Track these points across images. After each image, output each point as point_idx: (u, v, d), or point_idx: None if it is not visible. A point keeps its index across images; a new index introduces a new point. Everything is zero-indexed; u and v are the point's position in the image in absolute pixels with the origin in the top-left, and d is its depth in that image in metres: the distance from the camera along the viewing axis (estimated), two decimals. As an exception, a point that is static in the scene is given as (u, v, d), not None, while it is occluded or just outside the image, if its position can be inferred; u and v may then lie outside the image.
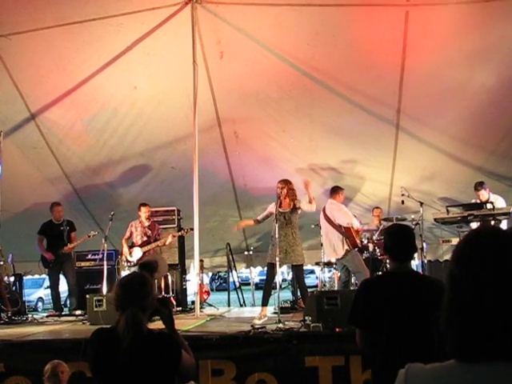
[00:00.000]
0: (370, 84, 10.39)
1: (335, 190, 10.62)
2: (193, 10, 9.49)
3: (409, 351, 3.31)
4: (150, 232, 11.37)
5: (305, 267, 10.97)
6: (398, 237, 4.35)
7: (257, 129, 11.85)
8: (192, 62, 9.72)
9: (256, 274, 19.48)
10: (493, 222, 10.15)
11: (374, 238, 11.67)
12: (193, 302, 11.05)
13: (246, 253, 15.56)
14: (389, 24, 9.39)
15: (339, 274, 11.35)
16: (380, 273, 10.56)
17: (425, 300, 3.87)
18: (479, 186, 11.01)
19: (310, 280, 27.10)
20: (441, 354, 1.67)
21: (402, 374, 1.66)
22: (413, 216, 11.60)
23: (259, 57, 10.09)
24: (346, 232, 10.25)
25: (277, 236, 9.16)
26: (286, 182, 9.91)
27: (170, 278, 12.07)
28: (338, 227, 10.31)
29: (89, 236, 11.50)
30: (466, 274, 1.61)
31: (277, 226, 9.16)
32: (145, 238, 11.34)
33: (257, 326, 8.12)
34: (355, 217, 10.75)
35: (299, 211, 9.90)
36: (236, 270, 15.69)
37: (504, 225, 10.49)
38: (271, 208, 9.92)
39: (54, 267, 11.74)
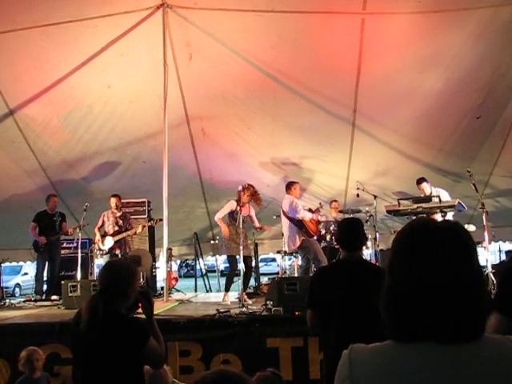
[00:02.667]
0: (329, 86, 10.53)
1: (289, 186, 10.80)
2: (164, 14, 9.52)
3: (357, 333, 3.41)
4: (121, 222, 11.33)
5: (267, 255, 11.20)
6: (346, 229, 4.62)
7: (223, 126, 11.93)
8: (163, 63, 9.73)
9: (221, 261, 19.62)
10: (440, 214, 10.38)
11: (332, 228, 11.78)
12: (162, 288, 11.07)
13: (212, 242, 15.56)
14: (346, 30, 9.54)
15: (299, 262, 11.50)
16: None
17: (371, 286, 3.95)
18: (420, 181, 11.27)
19: (271, 267, 27.35)
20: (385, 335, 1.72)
21: (346, 354, 1.68)
22: (367, 208, 11.86)
23: (226, 59, 10.13)
24: (301, 223, 10.49)
25: (241, 230, 9.73)
26: (248, 188, 10.32)
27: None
28: (292, 220, 10.54)
29: (80, 227, 11.29)
30: (401, 262, 1.65)
31: (240, 221, 9.73)
32: (116, 228, 11.30)
33: (222, 310, 8.21)
34: (311, 210, 10.94)
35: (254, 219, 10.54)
36: (203, 258, 15.76)
37: (450, 216, 10.65)
38: (231, 206, 10.37)
39: (42, 253, 11.65)
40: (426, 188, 11.23)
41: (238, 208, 10.04)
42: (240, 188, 10.20)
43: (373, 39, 9.58)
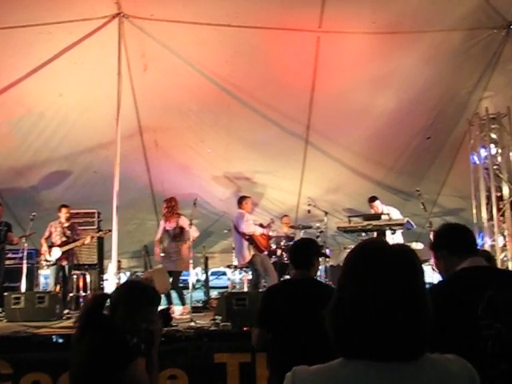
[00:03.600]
0: (283, 101, 10.55)
1: (241, 200, 10.85)
2: (120, 23, 9.34)
3: (304, 353, 3.36)
4: (69, 232, 10.98)
5: (217, 269, 11.14)
6: (297, 248, 4.69)
7: (176, 138, 11.79)
8: (117, 72, 9.51)
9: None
10: (389, 231, 10.42)
11: (282, 243, 11.73)
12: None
13: (162, 254, 15.30)
14: (301, 47, 9.56)
15: (249, 277, 11.44)
16: (287, 276, 10.64)
17: (320, 305, 3.90)
18: (372, 199, 11.38)
19: (221, 281, 27.03)
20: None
21: (289, 377, 1.68)
22: (318, 224, 11.87)
23: (181, 71, 10.01)
24: (251, 238, 10.57)
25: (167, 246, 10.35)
26: (169, 201, 10.55)
27: (88, 277, 11.87)
28: (242, 234, 10.58)
29: (25, 236, 10.96)
30: (350, 281, 1.67)
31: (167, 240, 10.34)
32: (64, 239, 10.92)
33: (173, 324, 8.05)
34: (262, 225, 10.99)
35: (187, 229, 10.19)
36: (152, 271, 15.46)
37: (399, 234, 10.69)
38: (162, 223, 10.65)
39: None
40: (378, 206, 11.33)
41: (163, 222, 10.42)
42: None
43: (328, 57, 9.62)
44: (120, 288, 3.68)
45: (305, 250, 4.54)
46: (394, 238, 10.30)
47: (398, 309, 1.58)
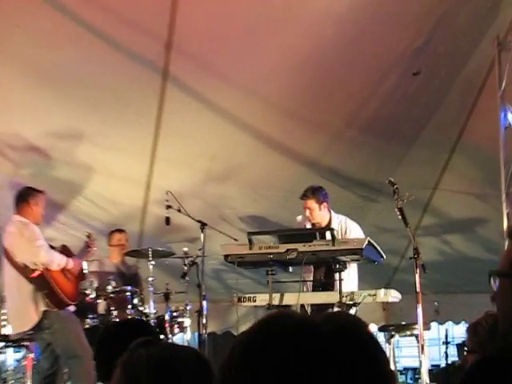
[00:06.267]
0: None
1: (22, 198, 6.46)
2: None
3: None
4: None
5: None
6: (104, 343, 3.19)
7: None
8: None
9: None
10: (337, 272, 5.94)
11: (110, 288, 6.68)
12: None
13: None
14: None
15: (36, 358, 6.64)
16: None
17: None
18: (312, 192, 6.44)
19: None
20: None
21: None
22: (185, 249, 6.94)
23: None
24: (42, 279, 6.37)
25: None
26: None
27: None
28: (22, 270, 6.29)
29: None
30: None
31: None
32: None
33: None
34: (66, 249, 6.56)
35: None
36: None
37: (354, 270, 6.31)
38: None
39: None
40: (315, 209, 6.45)
41: None
42: None
43: None
44: None
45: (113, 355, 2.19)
46: (349, 279, 6.15)
47: None
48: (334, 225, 6.15)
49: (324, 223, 6.24)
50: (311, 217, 6.29)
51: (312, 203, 6.25)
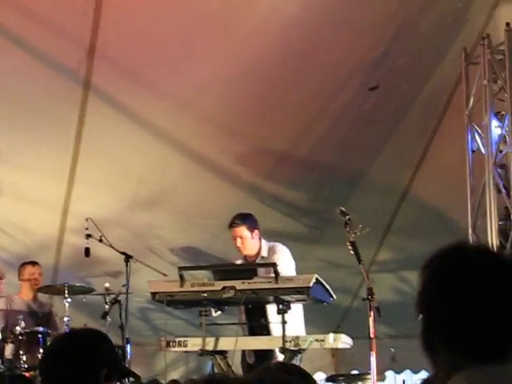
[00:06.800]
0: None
1: None
2: None
3: None
4: None
5: None
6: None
7: None
8: None
9: None
10: (274, 307, 5.63)
11: (18, 328, 6.25)
12: None
13: None
14: None
15: None
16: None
17: None
18: (241, 219, 6.09)
19: None
20: None
21: None
22: (107, 284, 6.51)
23: None
24: None
25: None
26: None
27: None
28: None
29: None
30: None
31: None
32: None
33: None
34: None
35: None
36: None
37: (298, 311, 5.72)
38: None
39: None
40: (248, 239, 5.99)
41: None
42: None
43: None
44: None
45: None
46: (291, 321, 5.43)
47: None
48: (263, 253, 5.84)
49: (254, 252, 5.85)
50: (242, 246, 5.85)
51: (243, 231, 5.83)
